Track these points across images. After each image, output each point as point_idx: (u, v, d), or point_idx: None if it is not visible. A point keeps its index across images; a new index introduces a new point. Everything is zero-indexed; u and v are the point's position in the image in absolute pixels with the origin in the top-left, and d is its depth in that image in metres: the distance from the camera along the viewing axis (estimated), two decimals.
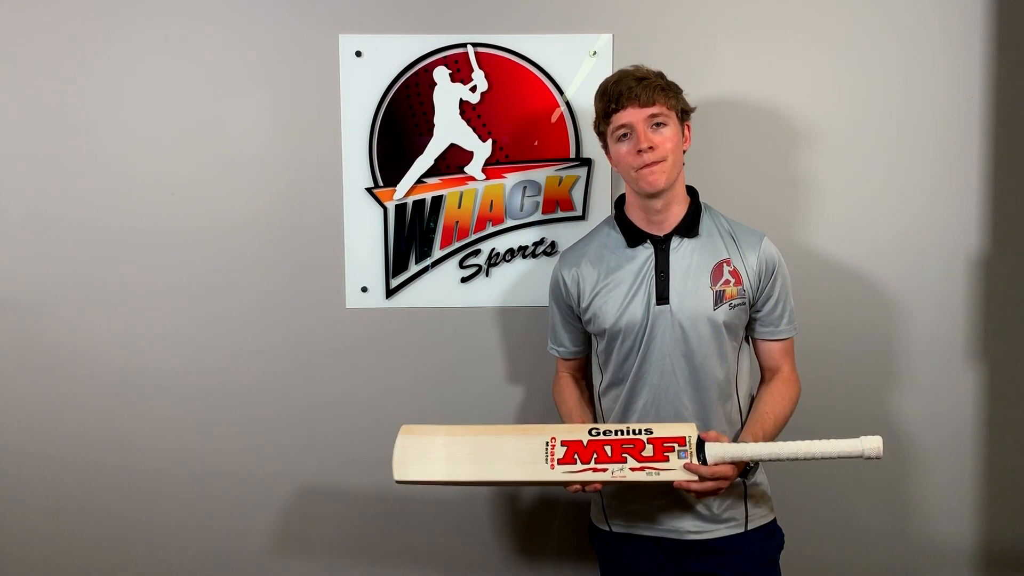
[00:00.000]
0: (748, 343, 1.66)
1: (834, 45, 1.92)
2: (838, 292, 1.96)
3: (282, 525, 2.04)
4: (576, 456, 1.46)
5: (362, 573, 2.05)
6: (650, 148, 1.50)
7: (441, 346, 1.99)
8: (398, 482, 1.51)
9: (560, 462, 1.46)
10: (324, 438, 2.02)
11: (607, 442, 1.47)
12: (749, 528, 1.59)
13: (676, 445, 1.45)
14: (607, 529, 1.67)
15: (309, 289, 1.97)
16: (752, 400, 1.65)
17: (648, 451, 1.45)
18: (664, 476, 1.43)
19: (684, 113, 1.57)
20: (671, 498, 1.58)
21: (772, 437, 1.55)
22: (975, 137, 1.93)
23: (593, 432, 1.49)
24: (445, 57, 1.91)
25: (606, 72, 1.88)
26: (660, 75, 1.55)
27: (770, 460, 1.45)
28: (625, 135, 1.53)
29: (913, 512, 2.02)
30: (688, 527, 1.58)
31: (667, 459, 1.44)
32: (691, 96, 1.61)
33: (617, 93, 1.52)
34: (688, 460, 1.43)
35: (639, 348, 1.57)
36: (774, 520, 1.65)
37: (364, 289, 1.97)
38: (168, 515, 2.03)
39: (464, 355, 1.99)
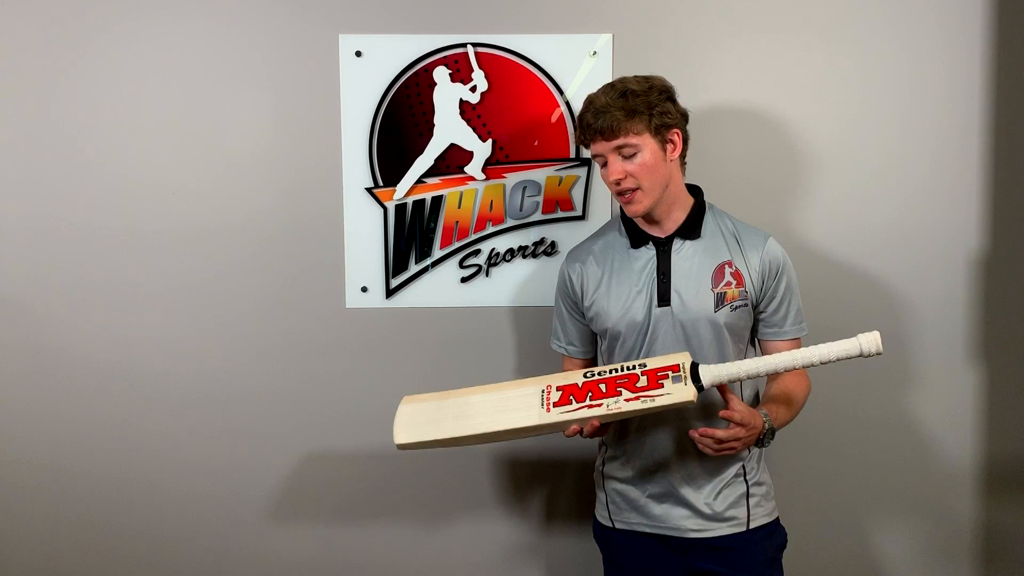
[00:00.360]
0: (754, 346, 1.66)
1: (835, 45, 1.92)
2: (838, 292, 1.96)
3: (281, 525, 2.03)
4: (571, 397, 1.46)
5: (367, 568, 2.05)
6: (622, 179, 1.50)
7: (441, 346, 1.99)
8: (399, 446, 1.50)
9: (556, 405, 1.46)
10: (324, 437, 2.01)
11: (602, 380, 1.47)
12: (751, 527, 1.59)
13: (670, 372, 1.44)
14: (611, 526, 1.67)
15: (309, 289, 1.97)
16: (757, 401, 1.65)
17: (642, 382, 1.44)
18: (659, 402, 1.41)
19: (664, 127, 1.51)
20: (674, 497, 1.58)
21: (781, 420, 1.54)
22: (975, 137, 1.93)
23: (587, 374, 1.49)
24: (445, 57, 1.91)
25: (606, 72, 1.88)
26: (626, 95, 1.48)
27: (768, 374, 1.43)
28: (604, 163, 1.54)
29: (915, 512, 2.02)
30: (691, 525, 1.58)
31: (661, 386, 1.42)
32: (691, 96, 1.60)
33: (585, 125, 1.52)
34: (683, 384, 1.41)
35: (640, 349, 1.57)
36: (776, 520, 1.64)
37: (364, 289, 1.97)
38: (166, 515, 2.03)
39: (464, 355, 1.99)
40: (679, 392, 1.40)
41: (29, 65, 1.91)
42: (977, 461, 2.01)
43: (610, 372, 1.48)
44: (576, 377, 1.50)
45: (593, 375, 1.49)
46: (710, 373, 1.42)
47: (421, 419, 1.52)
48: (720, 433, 1.42)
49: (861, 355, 1.38)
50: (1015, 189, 1.94)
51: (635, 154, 1.50)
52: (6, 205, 1.95)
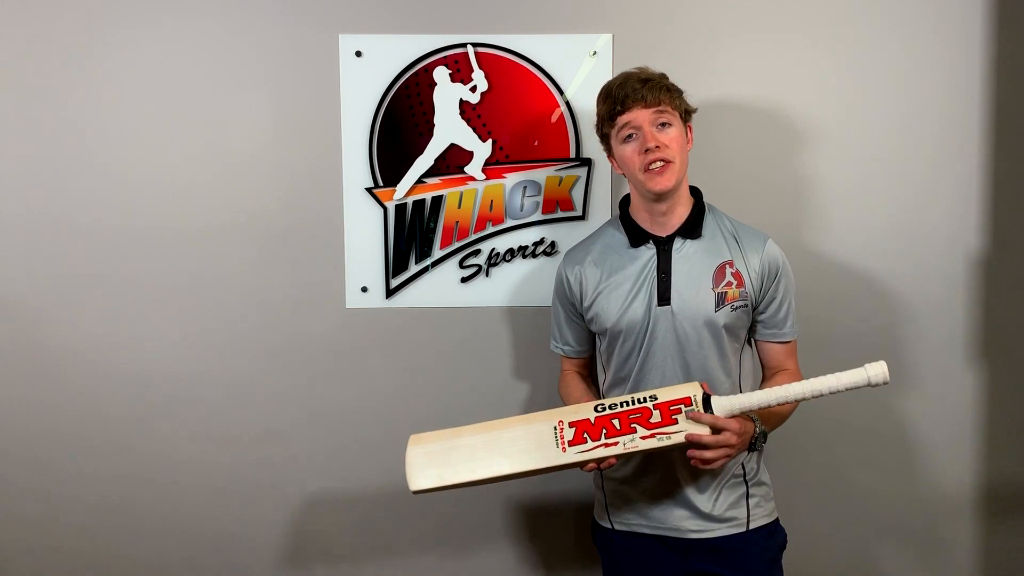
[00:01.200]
0: (751, 345, 1.66)
1: (835, 45, 1.92)
2: (838, 292, 1.96)
3: (282, 521, 2.03)
4: (586, 435, 1.45)
5: (364, 570, 2.05)
6: (657, 147, 1.50)
7: (441, 346, 1.99)
8: (415, 492, 1.48)
9: (571, 443, 1.45)
10: (324, 437, 2.01)
11: (614, 415, 1.46)
12: (751, 528, 1.59)
13: (683, 406, 1.44)
14: (609, 527, 1.67)
15: (309, 289, 1.97)
16: None
17: (656, 417, 1.44)
18: (675, 440, 1.42)
19: (686, 114, 1.58)
20: (673, 497, 1.58)
21: (775, 418, 1.55)
22: (975, 137, 1.93)
23: (599, 408, 1.48)
24: (445, 57, 1.91)
25: (606, 72, 1.88)
26: (663, 76, 1.57)
27: (779, 404, 1.43)
28: (631, 136, 1.53)
29: (915, 512, 2.02)
30: (690, 526, 1.58)
31: (675, 421, 1.43)
32: (692, 96, 1.61)
33: (623, 94, 1.52)
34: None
35: (640, 348, 1.57)
36: (776, 520, 1.64)
37: (364, 289, 1.97)
38: (169, 514, 2.03)
39: (464, 355, 1.99)
40: (693, 429, 1.42)
41: (29, 66, 1.91)
42: (977, 461, 2.00)
43: (621, 406, 1.47)
44: (587, 412, 1.48)
45: (604, 409, 1.48)
46: (721, 406, 1.43)
47: (434, 462, 1.48)
48: (707, 439, 1.41)
49: (869, 385, 1.39)
50: (1015, 189, 1.94)
51: (670, 125, 1.53)
52: (7, 205, 1.95)
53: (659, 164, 1.51)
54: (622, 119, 1.53)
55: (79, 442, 2.00)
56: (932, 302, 1.96)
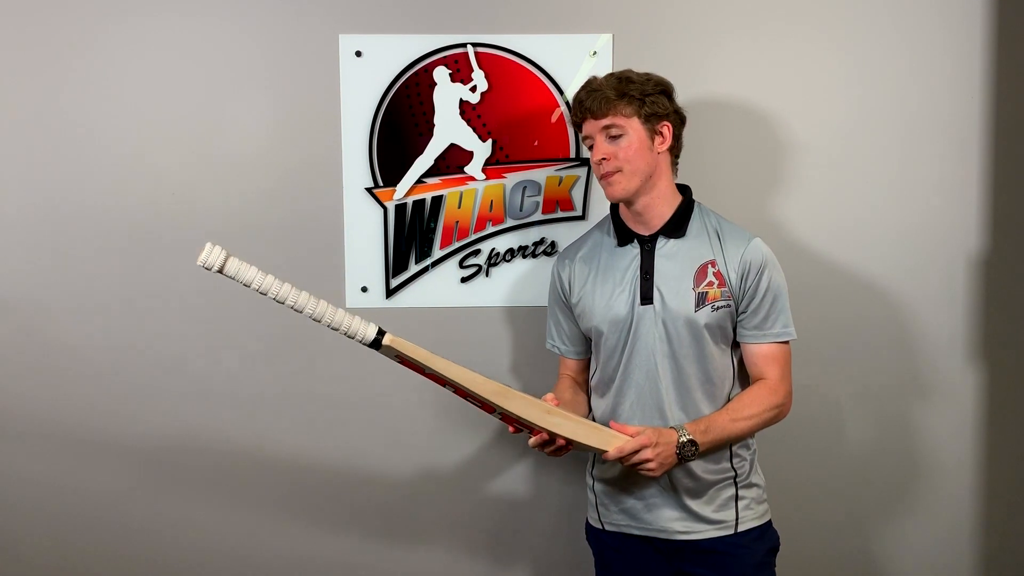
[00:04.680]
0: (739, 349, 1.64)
1: (835, 45, 1.92)
2: (838, 293, 1.96)
3: (280, 521, 2.04)
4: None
5: (358, 567, 2.05)
6: (602, 159, 1.52)
7: (441, 346, 1.97)
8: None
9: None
10: (324, 437, 2.02)
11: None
12: (739, 530, 1.58)
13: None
14: (600, 528, 1.67)
15: (309, 289, 1.96)
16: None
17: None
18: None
19: (655, 117, 1.53)
20: (662, 498, 1.58)
21: (723, 431, 1.51)
22: (976, 137, 1.93)
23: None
24: (445, 57, 1.91)
25: (606, 72, 1.88)
26: (622, 81, 1.53)
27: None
28: (591, 145, 1.56)
29: (914, 514, 2.02)
30: (678, 527, 1.57)
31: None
32: (691, 95, 1.61)
33: (577, 103, 1.56)
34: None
35: (624, 347, 1.57)
36: (768, 523, 1.63)
37: (364, 289, 1.97)
38: (170, 513, 2.03)
39: (464, 355, 1.97)
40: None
41: (29, 65, 1.91)
42: (977, 462, 2.01)
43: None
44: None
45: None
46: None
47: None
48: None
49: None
50: (1015, 189, 1.94)
51: (621, 136, 1.52)
52: (8, 203, 1.95)
53: (610, 174, 1.53)
54: (582, 129, 1.57)
55: (80, 440, 2.00)
56: (932, 302, 1.96)
